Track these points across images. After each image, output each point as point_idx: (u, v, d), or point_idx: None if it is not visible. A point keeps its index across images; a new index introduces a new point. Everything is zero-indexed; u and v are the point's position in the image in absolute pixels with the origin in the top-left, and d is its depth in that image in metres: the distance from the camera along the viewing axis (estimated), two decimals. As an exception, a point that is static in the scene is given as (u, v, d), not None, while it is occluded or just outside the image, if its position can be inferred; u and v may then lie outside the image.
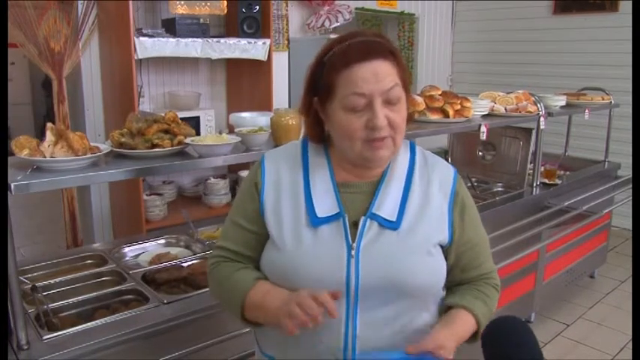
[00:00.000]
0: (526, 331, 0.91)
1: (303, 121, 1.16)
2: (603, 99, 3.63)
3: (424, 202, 1.10)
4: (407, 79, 1.08)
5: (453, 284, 1.18)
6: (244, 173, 3.41)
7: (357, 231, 1.06)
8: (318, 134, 1.14)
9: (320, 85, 1.07)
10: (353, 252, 1.04)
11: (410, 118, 1.11)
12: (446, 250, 1.13)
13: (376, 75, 1.01)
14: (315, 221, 1.06)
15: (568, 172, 3.44)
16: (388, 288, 1.04)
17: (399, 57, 1.06)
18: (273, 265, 1.10)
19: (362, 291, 1.03)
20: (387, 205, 1.08)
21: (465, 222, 1.14)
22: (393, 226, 1.06)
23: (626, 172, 3.62)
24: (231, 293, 1.11)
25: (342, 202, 1.08)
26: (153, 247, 2.14)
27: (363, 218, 1.06)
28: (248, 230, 1.14)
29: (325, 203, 1.07)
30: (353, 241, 1.05)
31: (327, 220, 1.06)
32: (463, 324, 1.10)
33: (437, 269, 1.10)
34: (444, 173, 1.15)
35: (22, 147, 1.47)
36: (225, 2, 3.38)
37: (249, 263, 1.16)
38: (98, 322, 1.49)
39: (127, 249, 2.08)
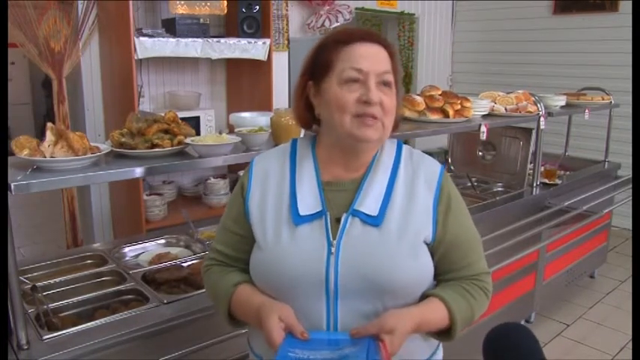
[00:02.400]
0: (527, 335, 0.89)
1: (294, 106, 1.17)
2: (603, 99, 3.63)
3: (409, 198, 1.08)
4: (398, 77, 1.10)
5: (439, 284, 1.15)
6: (244, 173, 3.41)
7: (339, 228, 1.05)
8: (307, 119, 1.16)
9: (318, 64, 1.09)
10: (333, 249, 1.03)
11: (398, 118, 1.13)
12: (431, 247, 1.09)
13: (374, 56, 1.06)
14: (297, 219, 1.06)
15: (568, 172, 3.44)
16: (368, 285, 1.02)
17: (395, 55, 1.10)
18: (256, 265, 1.10)
19: (342, 288, 1.02)
20: (369, 201, 1.06)
21: (449, 218, 1.09)
22: (374, 222, 1.04)
23: (626, 172, 3.62)
24: (218, 301, 1.15)
25: (326, 200, 1.08)
26: (153, 247, 2.14)
27: (344, 215, 1.06)
28: (235, 233, 1.15)
29: (309, 202, 1.07)
30: (334, 238, 1.04)
31: (310, 218, 1.06)
32: (428, 311, 1.04)
33: (421, 268, 1.06)
34: (429, 168, 1.13)
35: (22, 147, 1.47)
36: (225, 2, 3.37)
37: (240, 265, 1.17)
38: (98, 322, 1.49)
39: (127, 249, 2.09)
